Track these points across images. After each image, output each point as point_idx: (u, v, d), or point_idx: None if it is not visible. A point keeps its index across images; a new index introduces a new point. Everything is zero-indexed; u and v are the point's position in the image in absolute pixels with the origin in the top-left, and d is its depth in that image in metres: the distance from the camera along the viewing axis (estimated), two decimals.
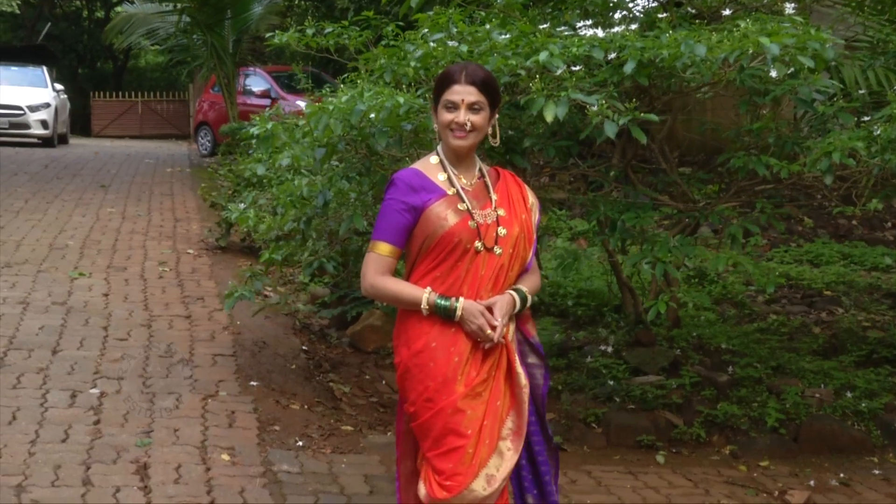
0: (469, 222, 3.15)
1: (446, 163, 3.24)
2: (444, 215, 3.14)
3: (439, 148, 3.28)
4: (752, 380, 6.19)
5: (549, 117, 3.95)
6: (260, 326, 6.96)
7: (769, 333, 7.30)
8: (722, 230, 5.01)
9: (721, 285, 8.43)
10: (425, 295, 3.12)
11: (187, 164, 18.69)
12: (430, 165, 3.25)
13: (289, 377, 6.26)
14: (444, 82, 3.19)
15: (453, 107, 3.16)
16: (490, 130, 3.24)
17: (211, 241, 10.11)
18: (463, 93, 3.14)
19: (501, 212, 3.22)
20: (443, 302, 3.11)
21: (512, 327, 3.24)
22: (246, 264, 9.27)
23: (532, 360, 3.32)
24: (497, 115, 3.27)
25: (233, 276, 8.48)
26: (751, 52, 4.02)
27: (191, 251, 9.83)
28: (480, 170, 3.30)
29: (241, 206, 6.42)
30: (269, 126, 5.15)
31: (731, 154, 4.81)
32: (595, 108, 3.91)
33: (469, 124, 3.15)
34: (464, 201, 3.18)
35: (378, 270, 3.18)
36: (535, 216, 3.35)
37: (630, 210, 4.85)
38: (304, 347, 7.05)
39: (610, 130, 3.91)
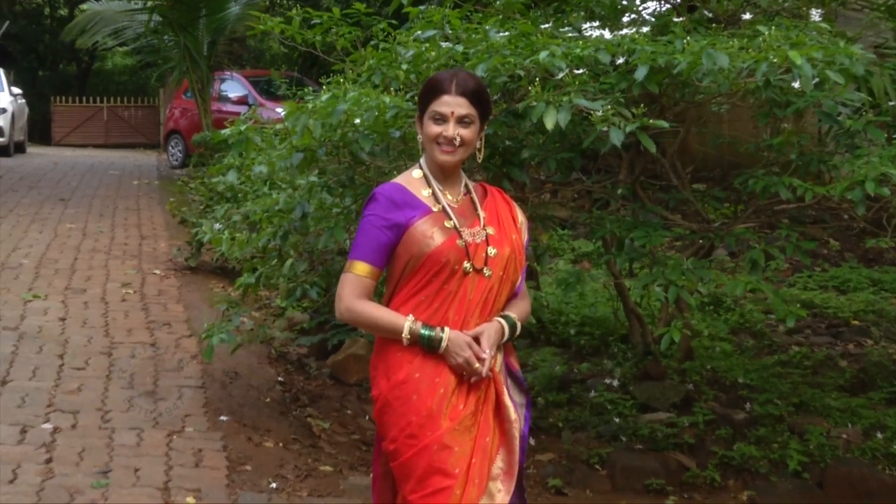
0: (457, 241, 3.14)
1: (430, 177, 3.24)
2: (430, 234, 3.13)
3: (423, 161, 3.27)
4: (773, 418, 6.15)
5: (549, 124, 3.94)
6: (232, 356, 6.91)
7: (791, 367, 7.27)
8: (739, 253, 4.99)
9: (738, 313, 8.41)
10: (407, 323, 3.10)
11: (156, 176, 18.68)
12: (414, 180, 3.25)
13: (262, 412, 6.22)
14: (432, 91, 3.18)
15: (441, 119, 3.15)
16: (477, 145, 3.24)
17: (180, 261, 10.08)
18: (453, 104, 3.14)
19: (491, 230, 3.22)
20: (427, 332, 3.09)
21: (499, 357, 3.23)
22: (218, 286, 9.25)
23: (515, 395, 3.30)
24: (486, 129, 3.27)
25: (205, 302, 8.43)
26: (777, 62, 4.00)
27: (157, 272, 9.80)
28: (466, 185, 3.31)
29: (216, 225, 6.41)
30: (244, 128, 5.12)
31: (750, 173, 4.79)
32: (600, 114, 3.89)
33: (458, 139, 3.14)
34: (451, 218, 3.17)
35: (355, 293, 3.16)
36: (525, 236, 3.36)
37: (639, 229, 4.83)
38: (279, 378, 7.00)
39: (616, 138, 3.90)
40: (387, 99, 4.28)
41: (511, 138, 4.79)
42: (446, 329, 3.10)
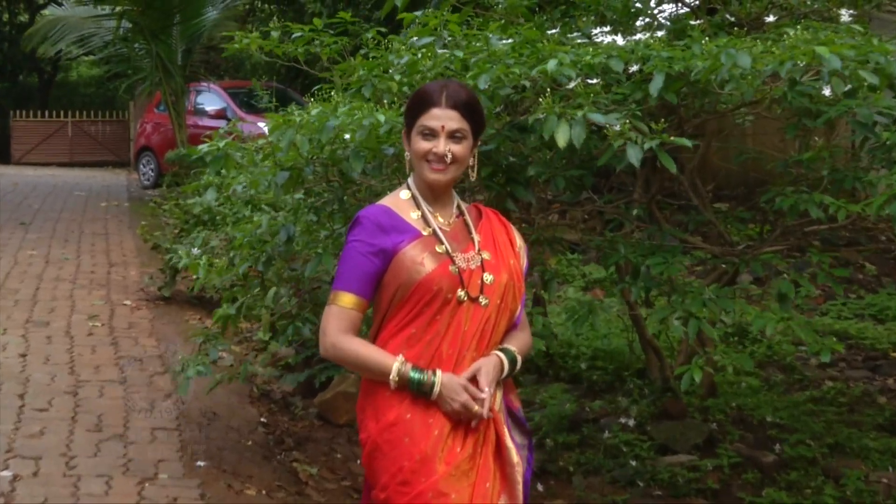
0: (450, 267, 3.15)
1: (419, 198, 3.25)
2: (420, 259, 3.14)
3: (411, 181, 3.29)
4: (805, 460, 6.14)
5: (561, 141, 3.93)
6: (209, 394, 6.90)
7: (824, 404, 7.26)
8: (766, 279, 4.99)
9: (765, 345, 8.41)
10: (396, 364, 3.10)
11: (126, 198, 18.70)
12: (401, 201, 3.26)
13: (244, 456, 6.20)
14: (421, 104, 3.20)
15: (431, 134, 3.16)
16: (471, 161, 3.25)
17: (152, 291, 10.08)
18: (443, 118, 3.15)
19: (486, 255, 3.23)
20: (417, 375, 3.09)
21: (499, 395, 3.23)
22: (195, 318, 9.25)
23: (516, 436, 3.29)
24: (487, 145, 3.28)
25: (180, 335, 8.43)
26: (803, 65, 4.00)
27: (128, 302, 9.79)
28: (459, 206, 3.31)
29: (193, 250, 6.41)
30: (222, 144, 5.12)
31: (777, 191, 4.79)
32: (617, 129, 3.89)
33: (450, 156, 3.15)
34: (442, 243, 3.18)
35: (341, 327, 3.16)
36: (524, 262, 3.37)
37: (656, 254, 4.83)
38: (262, 419, 6.99)
39: (633, 157, 3.89)
40: (381, 117, 4.28)
41: (515, 154, 4.80)
42: (438, 372, 3.09)
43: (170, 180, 15.86)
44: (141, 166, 21.58)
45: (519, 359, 3.26)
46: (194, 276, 6.66)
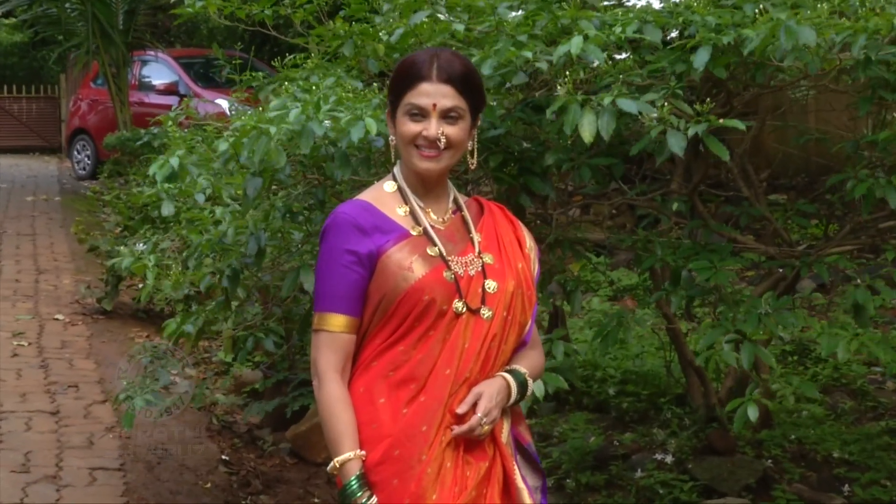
0: (444, 273, 3.14)
1: (407, 191, 3.24)
2: (408, 264, 3.13)
3: (397, 170, 3.28)
4: (879, 503, 6.15)
5: (587, 136, 3.93)
6: (160, 426, 6.90)
7: None
8: (832, 286, 5.00)
9: (831, 365, 8.41)
10: (346, 457, 3.08)
11: (57, 191, 18.69)
12: (385, 195, 3.26)
13: (201, 501, 6.21)
14: (407, 78, 3.17)
15: (420, 114, 3.15)
16: (469, 146, 3.25)
17: (90, 303, 10.08)
18: (435, 95, 3.14)
19: (489, 258, 3.22)
20: (354, 487, 3.06)
21: (506, 426, 3.22)
22: (141, 335, 9.24)
23: (526, 475, 3.30)
24: (479, 125, 3.28)
25: (123, 356, 8.41)
26: (883, 38, 3.99)
27: (60, 317, 9.79)
28: (456, 200, 3.31)
29: (138, 245, 6.39)
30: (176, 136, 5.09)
31: (847, 174, 4.80)
32: (654, 115, 3.89)
33: (443, 139, 3.14)
34: (435, 244, 3.17)
35: (332, 361, 3.15)
36: (535, 266, 3.35)
37: (700, 256, 4.83)
38: (223, 457, 7.00)
39: (676, 145, 3.89)
40: (372, 123, 4.22)
41: (530, 139, 4.79)
42: (374, 499, 3.06)
43: (110, 169, 15.87)
44: (75, 152, 21.54)
45: (530, 382, 3.25)
46: (140, 284, 6.65)
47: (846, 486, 6.31)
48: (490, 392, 3.13)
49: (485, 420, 3.09)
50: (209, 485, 6.48)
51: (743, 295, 4.87)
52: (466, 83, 3.17)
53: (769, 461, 6.55)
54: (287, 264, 5.23)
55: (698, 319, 7.10)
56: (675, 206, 5.66)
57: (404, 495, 3.07)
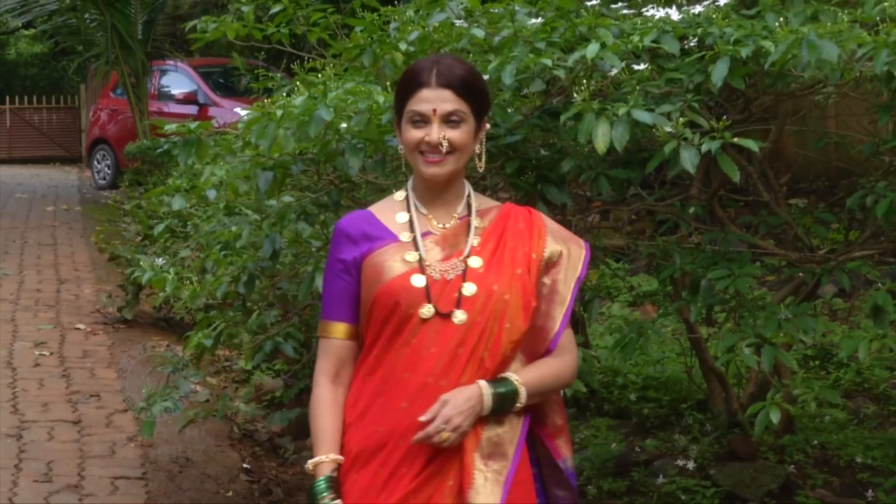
0: (412, 277, 3.14)
1: (412, 198, 3.27)
2: (381, 268, 3.16)
3: (412, 179, 3.31)
4: None
5: (601, 146, 3.91)
6: (181, 435, 6.92)
7: None
8: (854, 292, 4.98)
9: (853, 370, 8.38)
10: (320, 459, 3.19)
11: (77, 200, 18.75)
12: (394, 203, 3.31)
13: None
14: (408, 86, 3.20)
15: (422, 120, 3.16)
16: (477, 149, 3.25)
17: (111, 312, 10.10)
18: (434, 100, 3.14)
19: (476, 262, 3.20)
20: (321, 488, 3.16)
21: (485, 435, 3.14)
22: (162, 345, 9.25)
23: (559, 492, 3.30)
24: (487, 127, 3.28)
25: (144, 365, 8.44)
26: None
27: (81, 326, 9.81)
28: (469, 205, 3.30)
29: (157, 260, 6.39)
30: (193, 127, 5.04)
31: (868, 187, 4.79)
32: (669, 129, 3.88)
33: (445, 144, 3.14)
34: (416, 249, 3.19)
35: (324, 367, 3.24)
36: (564, 274, 3.27)
37: (719, 265, 4.82)
38: (245, 465, 7.00)
39: (688, 161, 3.88)
40: (381, 98, 4.27)
41: (546, 145, 4.79)
42: (338, 502, 3.13)
43: (130, 178, 15.91)
44: (95, 162, 21.62)
45: (522, 391, 3.14)
46: (160, 293, 6.66)
47: (870, 491, 6.29)
48: (456, 400, 3.07)
49: (445, 427, 3.04)
50: (231, 493, 6.48)
51: (764, 300, 4.85)
52: (467, 86, 3.17)
53: (792, 467, 6.52)
54: (302, 268, 5.23)
55: (719, 324, 7.08)
56: (693, 211, 5.66)
57: (350, 493, 3.14)
